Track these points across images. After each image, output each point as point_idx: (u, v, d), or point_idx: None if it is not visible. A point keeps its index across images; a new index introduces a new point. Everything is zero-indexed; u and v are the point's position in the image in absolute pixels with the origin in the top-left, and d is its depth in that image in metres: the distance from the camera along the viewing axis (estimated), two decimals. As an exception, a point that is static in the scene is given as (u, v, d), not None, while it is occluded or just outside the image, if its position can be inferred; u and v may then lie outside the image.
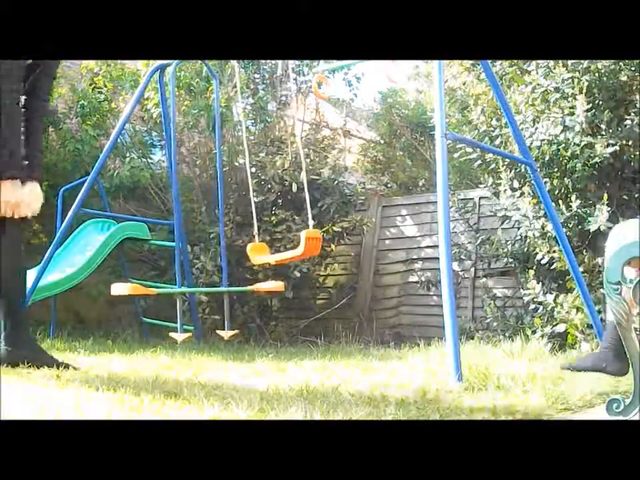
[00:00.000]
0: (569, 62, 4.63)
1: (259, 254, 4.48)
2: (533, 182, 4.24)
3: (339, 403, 2.37)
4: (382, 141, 9.29)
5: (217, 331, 4.63)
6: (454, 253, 5.76)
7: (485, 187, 5.46)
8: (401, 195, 8.06)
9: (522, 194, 4.84)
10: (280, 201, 6.68)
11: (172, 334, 4.30)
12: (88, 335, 5.63)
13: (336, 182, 6.82)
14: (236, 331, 4.61)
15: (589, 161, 4.56)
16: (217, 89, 5.07)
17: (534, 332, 4.51)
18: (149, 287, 4.80)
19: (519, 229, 5.05)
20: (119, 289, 4.16)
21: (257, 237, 4.73)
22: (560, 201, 4.59)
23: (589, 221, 4.47)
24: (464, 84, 5.57)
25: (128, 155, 7.14)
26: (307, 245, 4.05)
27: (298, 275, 6.38)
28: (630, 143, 4.56)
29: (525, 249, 5.10)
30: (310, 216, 4.29)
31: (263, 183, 6.68)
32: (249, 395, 2.56)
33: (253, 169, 6.82)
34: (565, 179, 4.73)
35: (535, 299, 4.65)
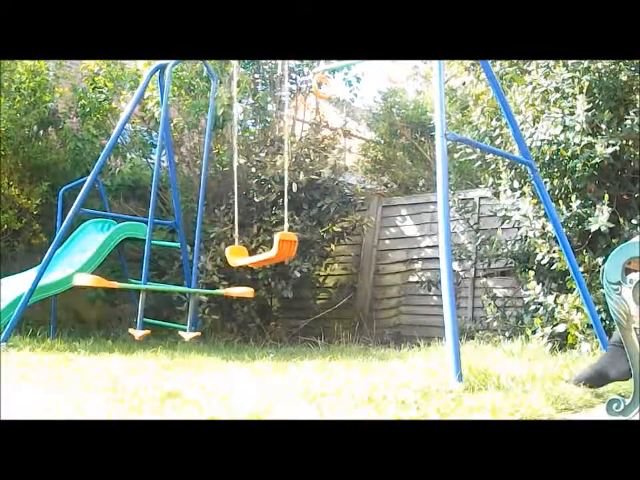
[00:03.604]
0: (569, 62, 4.63)
1: (237, 257, 4.50)
2: (533, 182, 4.23)
3: (339, 403, 2.37)
4: (382, 141, 9.29)
5: (180, 332, 4.61)
6: (454, 253, 5.76)
7: (485, 187, 5.46)
8: (401, 195, 8.06)
9: (522, 194, 4.84)
10: (280, 201, 6.67)
11: (131, 330, 4.32)
12: (88, 335, 5.62)
13: (336, 182, 6.82)
14: (198, 333, 4.61)
15: (589, 161, 4.56)
16: (213, 90, 5.07)
17: (534, 332, 4.50)
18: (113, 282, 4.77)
19: (519, 229, 5.05)
20: (82, 279, 4.28)
21: (236, 240, 4.74)
22: (560, 201, 4.59)
23: (589, 221, 4.47)
24: (464, 84, 5.57)
25: (128, 155, 7.14)
26: (280, 248, 4.04)
27: (298, 275, 6.38)
28: (630, 142, 4.56)
29: (525, 249, 5.09)
30: (286, 219, 4.30)
31: (263, 183, 6.67)
32: (248, 395, 2.56)
33: (253, 169, 6.83)
34: (565, 179, 4.73)
35: (536, 300, 4.64)
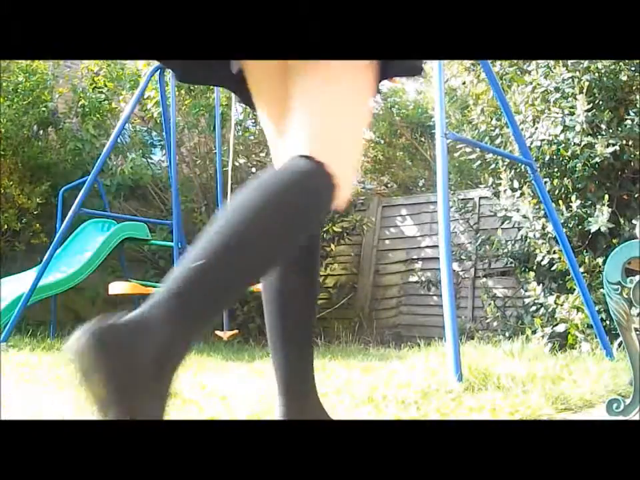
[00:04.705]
0: (569, 62, 4.63)
1: None
2: (533, 182, 4.23)
3: (339, 403, 2.37)
4: (382, 141, 9.29)
5: (216, 332, 4.65)
6: (454, 253, 5.76)
7: (485, 187, 5.46)
8: (401, 195, 8.07)
9: (522, 194, 4.84)
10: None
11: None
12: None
13: (336, 182, 6.82)
14: (235, 331, 4.63)
15: (589, 161, 4.56)
16: (217, 90, 5.07)
17: (534, 332, 4.51)
18: (147, 287, 4.82)
19: (519, 229, 5.05)
20: (118, 287, 4.18)
21: None
22: (560, 201, 4.59)
23: (589, 221, 4.47)
24: (464, 84, 5.57)
25: (129, 155, 7.16)
26: None
27: (298, 275, 6.38)
28: (630, 143, 4.56)
29: (525, 249, 5.10)
30: None
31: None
32: (248, 395, 2.56)
33: (253, 169, 6.83)
34: (565, 179, 4.73)
35: (536, 301, 4.65)
